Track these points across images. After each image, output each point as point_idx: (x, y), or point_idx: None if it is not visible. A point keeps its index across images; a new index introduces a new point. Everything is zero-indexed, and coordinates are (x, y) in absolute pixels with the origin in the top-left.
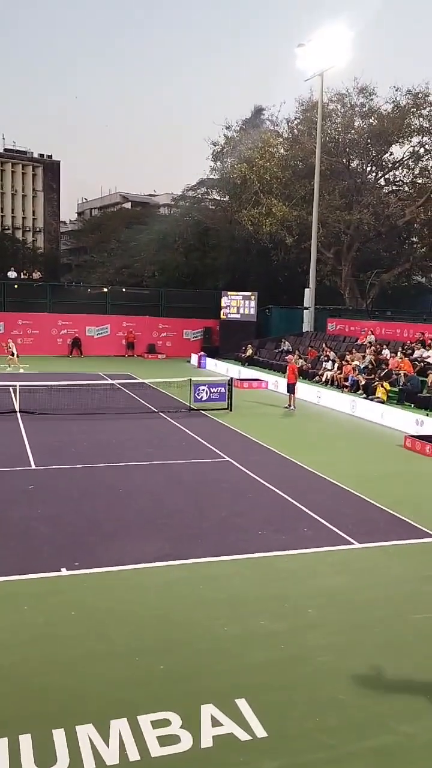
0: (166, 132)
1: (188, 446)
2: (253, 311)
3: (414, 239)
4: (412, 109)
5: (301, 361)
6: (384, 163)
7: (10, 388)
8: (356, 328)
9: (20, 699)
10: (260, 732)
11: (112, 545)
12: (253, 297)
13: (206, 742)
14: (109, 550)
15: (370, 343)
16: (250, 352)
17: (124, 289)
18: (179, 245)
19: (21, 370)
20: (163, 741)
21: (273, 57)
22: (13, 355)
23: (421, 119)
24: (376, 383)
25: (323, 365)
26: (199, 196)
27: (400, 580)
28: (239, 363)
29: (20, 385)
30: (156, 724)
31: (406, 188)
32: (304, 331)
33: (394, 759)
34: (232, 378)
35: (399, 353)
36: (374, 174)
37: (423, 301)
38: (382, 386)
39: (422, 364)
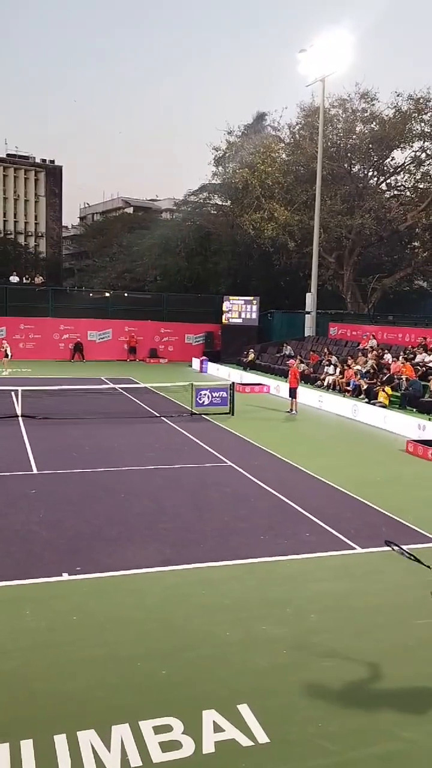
0: (167, 138)
1: (190, 451)
2: (254, 316)
3: (416, 244)
4: (413, 114)
5: (302, 365)
6: (386, 168)
7: (12, 392)
8: (358, 332)
9: (22, 704)
10: (262, 738)
11: (113, 550)
12: (254, 301)
13: (208, 747)
14: (111, 555)
15: (371, 347)
16: (251, 356)
17: (126, 294)
18: (181, 250)
19: (5, 373)
20: (165, 747)
21: (275, 62)
22: (6, 356)
23: (422, 124)
24: (377, 387)
25: (325, 369)
26: (201, 200)
27: (402, 586)
28: (241, 367)
29: (22, 390)
30: (158, 730)
31: (408, 193)
32: (305, 335)
33: (396, 765)
34: (233, 382)
35: (401, 357)
36: (376, 179)
37: (425, 306)
38: (384, 390)
39: (424, 368)
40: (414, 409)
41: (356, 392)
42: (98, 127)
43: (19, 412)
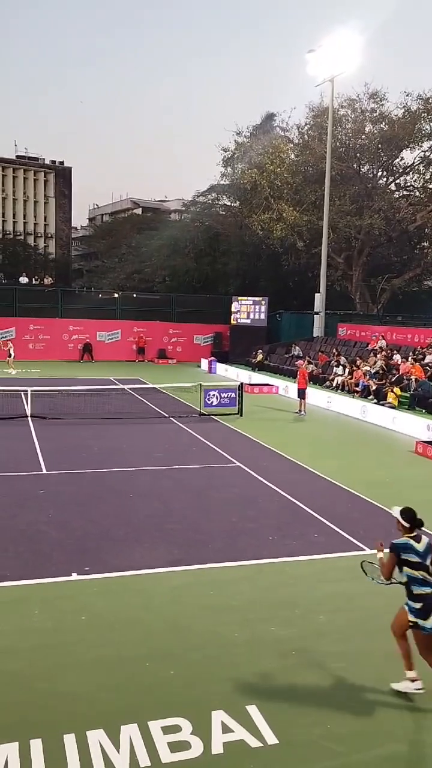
0: (175, 139)
1: (198, 451)
2: (263, 316)
3: (425, 244)
4: (423, 114)
5: (311, 366)
6: (395, 168)
7: (22, 393)
8: (367, 333)
9: (31, 704)
10: (271, 739)
11: (121, 550)
12: (263, 302)
13: (217, 748)
14: (119, 555)
15: (380, 348)
16: (260, 357)
17: (134, 295)
18: (190, 250)
19: (13, 373)
20: (174, 747)
21: (283, 63)
22: (10, 356)
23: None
24: (387, 388)
25: (334, 370)
26: (210, 201)
27: None
28: (250, 368)
29: (32, 390)
30: (166, 730)
31: (417, 193)
32: (314, 336)
33: (402, 767)
34: (242, 383)
35: (410, 358)
36: (385, 179)
37: None
38: (393, 391)
39: None
40: (423, 410)
41: (365, 393)
42: (104, 129)
43: (28, 412)
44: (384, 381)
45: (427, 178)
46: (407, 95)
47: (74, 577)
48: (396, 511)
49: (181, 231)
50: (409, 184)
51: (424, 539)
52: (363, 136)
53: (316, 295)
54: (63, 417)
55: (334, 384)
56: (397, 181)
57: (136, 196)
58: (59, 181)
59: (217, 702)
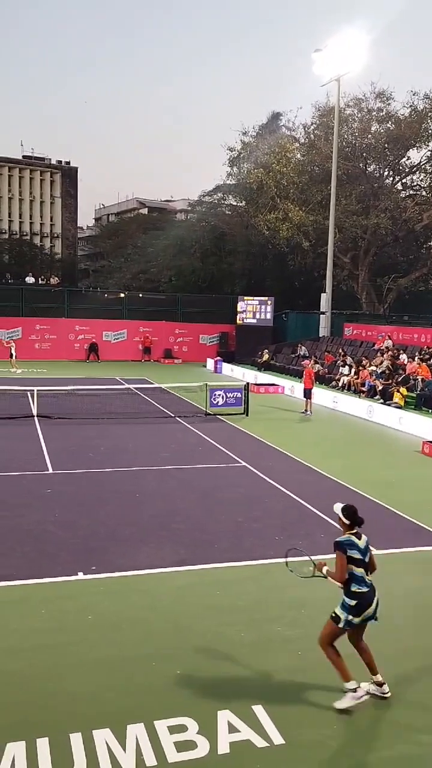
0: (181, 138)
1: (204, 451)
2: (269, 316)
3: None
4: (429, 114)
5: (317, 366)
6: (401, 168)
7: (28, 392)
8: (373, 332)
9: (36, 703)
10: (278, 739)
11: (127, 550)
12: (269, 302)
13: (223, 748)
14: (125, 555)
15: (387, 347)
16: (266, 357)
17: (140, 294)
18: (196, 250)
19: (18, 372)
20: (180, 746)
21: (290, 63)
22: (12, 356)
23: None
24: (393, 388)
25: (340, 370)
26: (216, 201)
27: (418, 588)
28: (255, 368)
29: (38, 390)
30: (173, 730)
31: (424, 192)
32: (320, 335)
33: None
34: (248, 383)
35: (416, 358)
36: (391, 178)
37: None
38: (399, 391)
39: None
40: (430, 410)
41: (371, 393)
42: (110, 129)
43: (35, 412)
44: (390, 381)
45: None
46: (414, 94)
47: (80, 576)
48: (338, 508)
49: (187, 231)
50: (415, 183)
51: (364, 537)
52: (369, 136)
53: (322, 294)
54: (69, 417)
55: (340, 384)
56: (404, 180)
57: (142, 196)
58: (65, 181)
59: (223, 702)
